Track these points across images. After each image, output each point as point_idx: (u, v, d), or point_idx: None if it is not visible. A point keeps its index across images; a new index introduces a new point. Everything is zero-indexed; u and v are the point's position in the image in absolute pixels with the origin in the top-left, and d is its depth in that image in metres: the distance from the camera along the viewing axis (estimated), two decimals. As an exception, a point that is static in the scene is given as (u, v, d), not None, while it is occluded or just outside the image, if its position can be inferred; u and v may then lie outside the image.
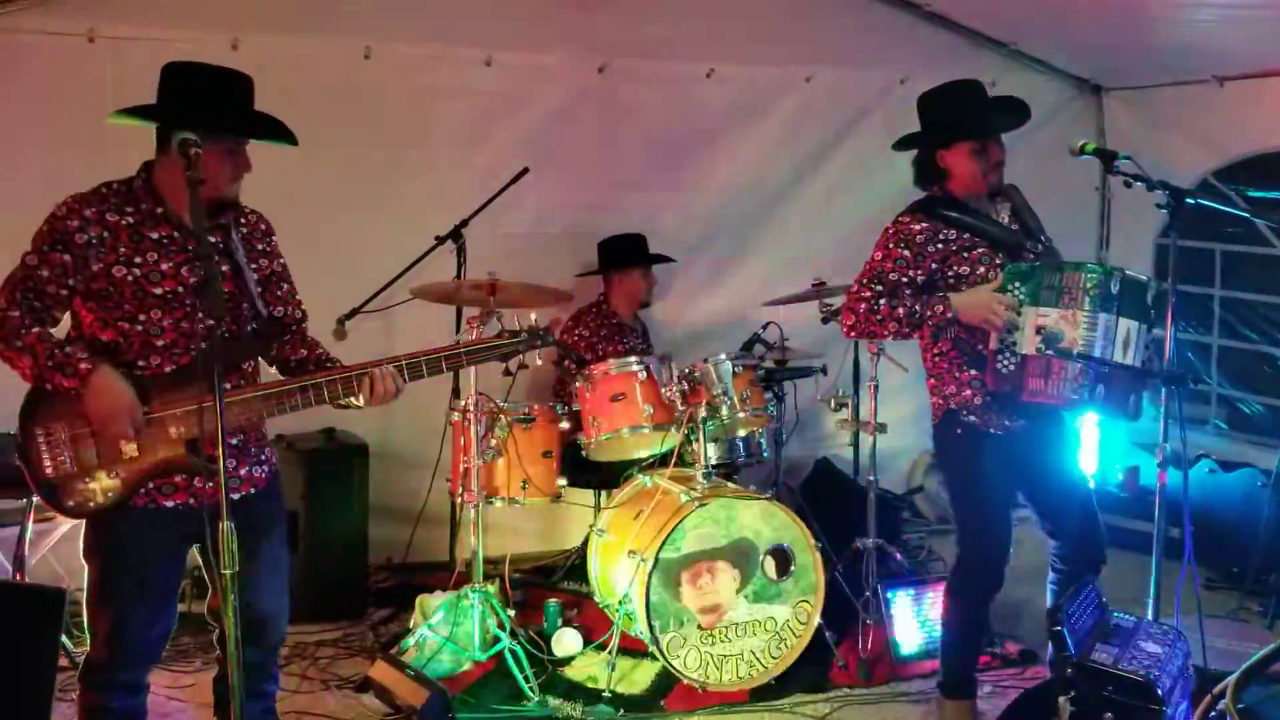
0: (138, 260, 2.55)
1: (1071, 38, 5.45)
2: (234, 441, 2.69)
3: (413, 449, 4.76)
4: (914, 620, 4.04)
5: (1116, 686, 2.71)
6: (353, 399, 2.73)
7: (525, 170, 4.55)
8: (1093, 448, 5.58)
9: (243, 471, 2.73)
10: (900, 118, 3.50)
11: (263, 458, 2.81)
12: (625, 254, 5.00)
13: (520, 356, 3.02)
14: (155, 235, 2.58)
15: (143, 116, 2.62)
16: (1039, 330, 3.11)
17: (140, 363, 2.57)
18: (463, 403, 4.08)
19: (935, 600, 4.01)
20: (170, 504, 2.62)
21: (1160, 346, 3.18)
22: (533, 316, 3.10)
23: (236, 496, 2.66)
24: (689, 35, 5.18)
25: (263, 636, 2.81)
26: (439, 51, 4.82)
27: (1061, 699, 2.76)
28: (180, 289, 2.58)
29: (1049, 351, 3.11)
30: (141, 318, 2.56)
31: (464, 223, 4.49)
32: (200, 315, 2.60)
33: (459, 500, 4.27)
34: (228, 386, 2.53)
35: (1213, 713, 3.17)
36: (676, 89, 5.26)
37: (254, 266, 2.76)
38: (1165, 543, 3.16)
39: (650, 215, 5.26)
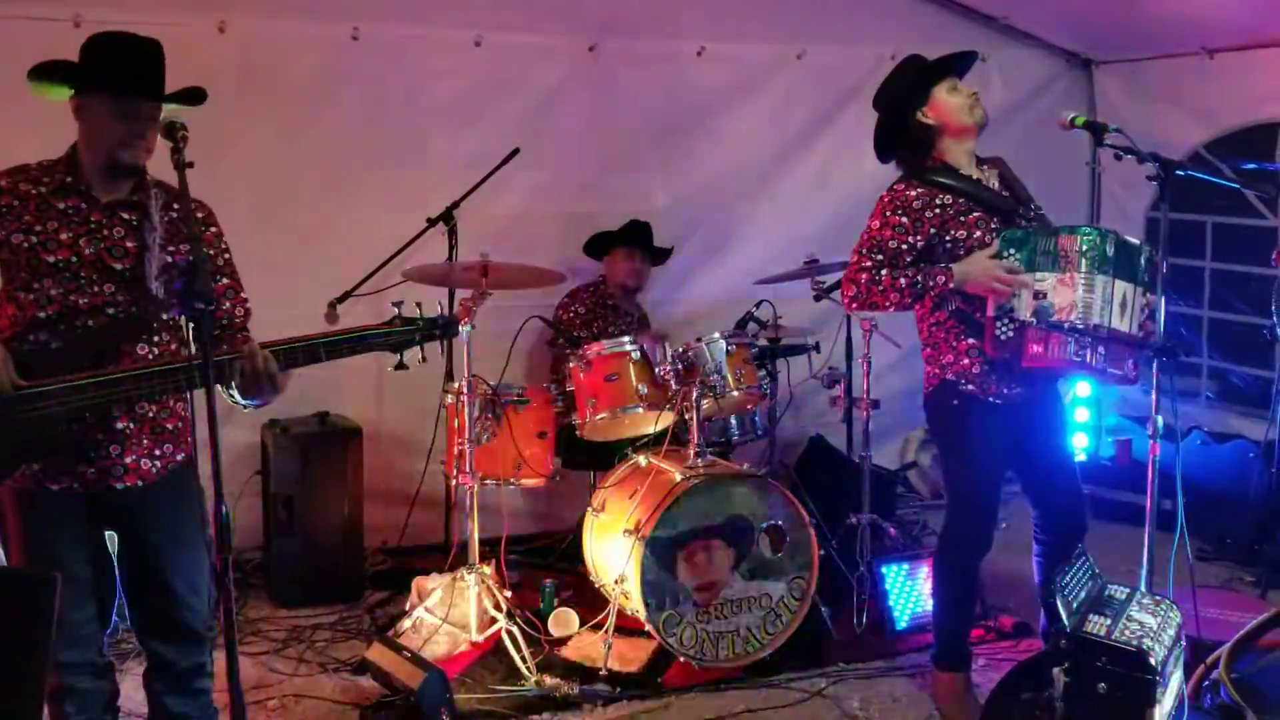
0: (38, 228, 2.51)
1: (1061, 11, 5.45)
2: (118, 426, 2.57)
3: (407, 432, 4.77)
4: (908, 595, 4.07)
5: (1110, 657, 2.72)
6: (228, 389, 2.53)
7: (516, 151, 4.53)
8: (1086, 420, 5.61)
9: (127, 460, 2.59)
10: (893, 94, 3.51)
11: (157, 452, 2.64)
12: (617, 235, 5.00)
13: (419, 349, 2.70)
14: (62, 205, 2.54)
15: (45, 79, 2.57)
16: (1036, 296, 3.12)
17: (30, 336, 2.50)
18: (456, 384, 4.08)
19: (929, 575, 4.03)
20: (55, 488, 2.56)
21: (1155, 315, 3.19)
22: (438, 306, 2.85)
23: (120, 486, 2.58)
24: (680, 14, 5.16)
25: (175, 632, 2.71)
26: (428, 32, 4.79)
27: (1055, 670, 2.77)
28: (74, 259, 2.52)
29: (1040, 325, 3.11)
30: (35, 285, 2.50)
31: (455, 204, 4.47)
32: (92, 291, 2.52)
33: (454, 482, 4.27)
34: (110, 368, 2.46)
35: (1206, 682, 3.21)
36: (668, 68, 5.24)
37: (170, 249, 2.62)
38: (1158, 514, 3.18)
39: (643, 195, 5.25)
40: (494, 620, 3.87)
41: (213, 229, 2.74)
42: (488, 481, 4.17)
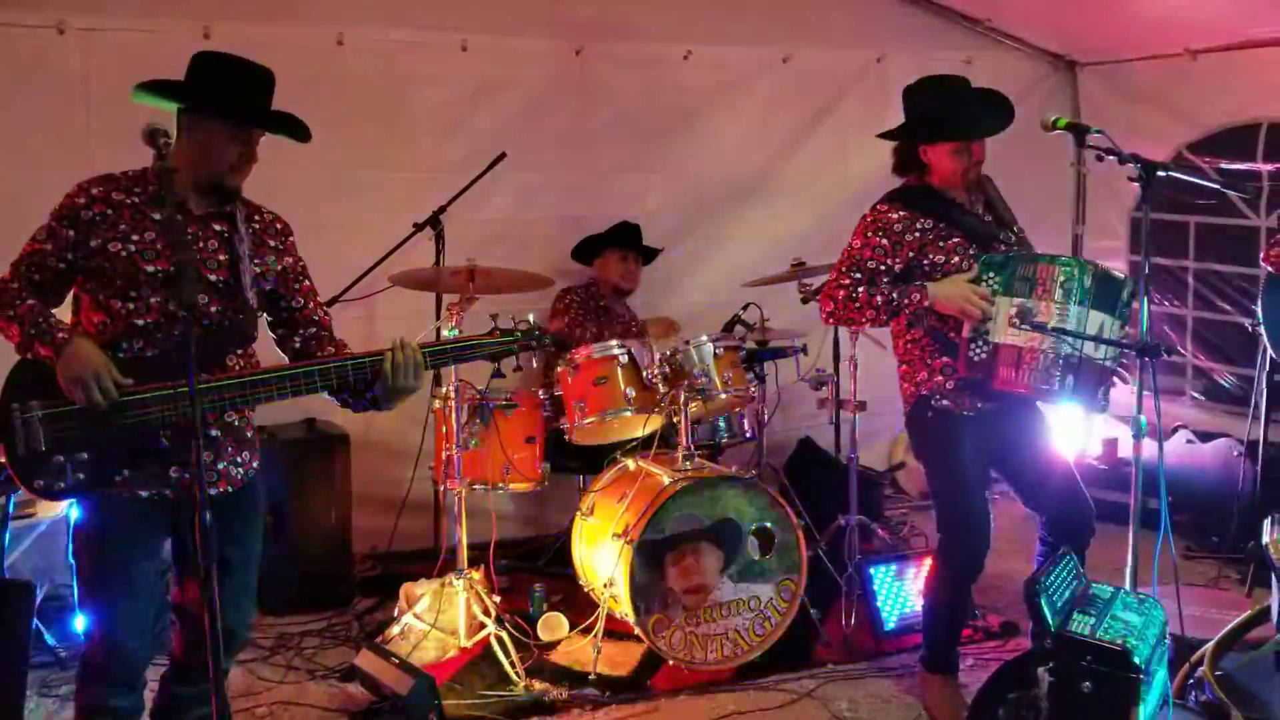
0: (135, 237, 2.55)
1: (1045, 14, 5.48)
2: (213, 434, 2.66)
3: (395, 437, 4.76)
4: (896, 595, 4.08)
5: (1094, 656, 2.73)
6: (374, 394, 2.63)
7: (503, 155, 4.53)
8: (1071, 421, 5.63)
9: (219, 466, 2.68)
10: (878, 96, 3.53)
11: (239, 459, 2.73)
12: (609, 237, 5.00)
13: (515, 358, 2.88)
14: (156, 215, 2.58)
15: (157, 93, 2.63)
16: (1016, 310, 3.14)
17: (124, 344, 2.55)
18: (444, 390, 4.08)
19: (917, 575, 4.05)
20: (145, 494, 2.60)
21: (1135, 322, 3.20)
22: (531, 316, 2.96)
23: (214, 492, 2.64)
24: (666, 17, 5.18)
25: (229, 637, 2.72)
26: (413, 37, 4.81)
27: (1040, 669, 2.78)
28: (172, 269, 2.55)
29: (1024, 325, 3.12)
30: (132, 293, 2.55)
31: (442, 209, 4.47)
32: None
33: (442, 488, 4.27)
34: (205, 376, 2.51)
35: (1191, 680, 3.23)
36: (654, 71, 5.26)
37: (257, 262, 2.71)
38: (1143, 513, 3.20)
39: (631, 198, 5.27)
40: (483, 625, 3.87)
41: (290, 239, 2.83)
42: (476, 486, 4.17)
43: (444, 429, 4.11)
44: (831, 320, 3.41)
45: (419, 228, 4.48)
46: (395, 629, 3.94)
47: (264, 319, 2.79)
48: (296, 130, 2.72)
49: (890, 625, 4.03)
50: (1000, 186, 3.54)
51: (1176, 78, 5.35)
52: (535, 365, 3.08)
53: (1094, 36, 5.62)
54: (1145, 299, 3.11)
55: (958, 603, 3.52)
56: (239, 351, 2.70)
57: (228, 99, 2.60)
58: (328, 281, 4.39)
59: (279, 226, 2.82)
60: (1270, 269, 4.22)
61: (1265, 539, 3.23)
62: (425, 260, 4.47)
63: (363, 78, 4.75)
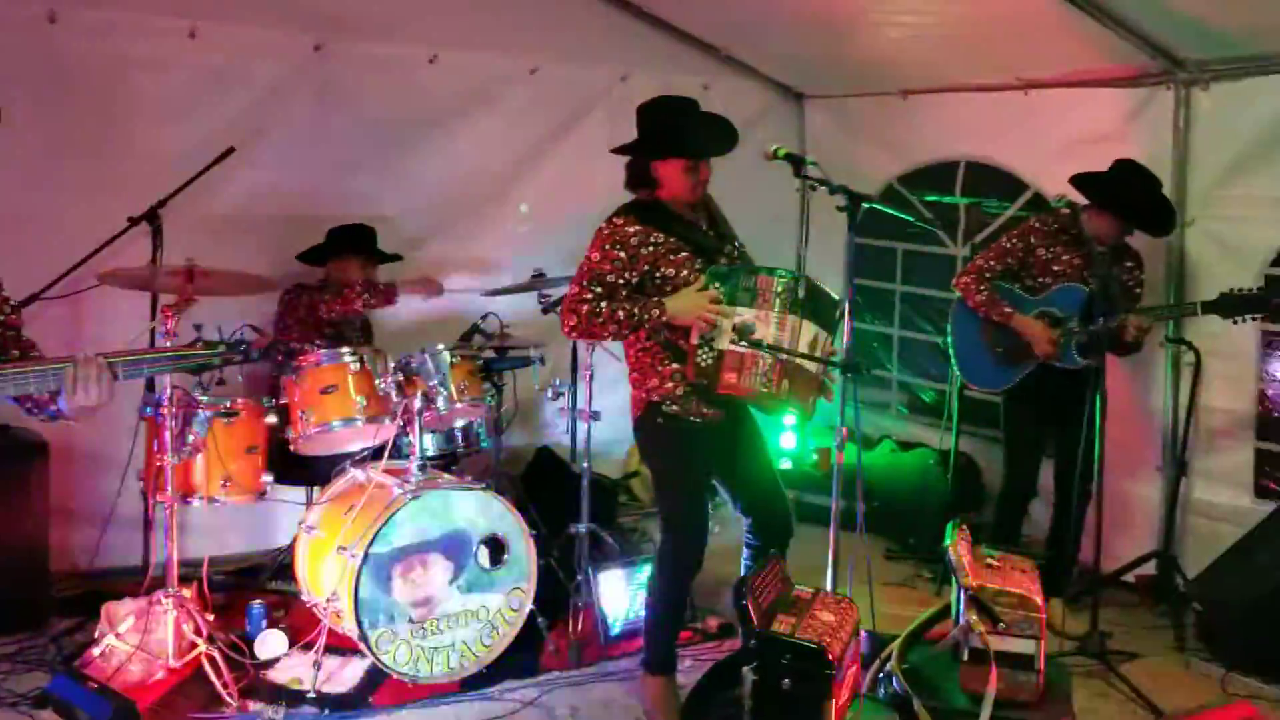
0: None
1: (776, 47, 5.80)
2: None
3: (101, 446, 4.44)
4: (623, 600, 4.20)
5: (793, 654, 2.93)
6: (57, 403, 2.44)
7: (231, 150, 4.34)
8: (792, 429, 5.99)
9: None
10: (621, 114, 3.61)
11: None
12: (345, 242, 4.85)
13: (219, 372, 2.80)
14: None
15: None
16: (734, 326, 3.31)
17: None
18: (156, 396, 3.84)
19: (643, 579, 4.18)
20: None
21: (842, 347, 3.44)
22: (236, 329, 2.89)
23: None
24: (411, 18, 5.09)
25: None
26: (135, 17, 4.51)
27: (745, 668, 2.95)
28: None
29: (743, 343, 3.31)
30: None
31: (161, 203, 4.23)
32: None
33: (153, 500, 4.02)
34: None
35: (881, 674, 3.51)
36: (398, 73, 5.16)
37: None
38: (851, 518, 3.45)
39: (371, 201, 5.14)
40: (194, 645, 3.67)
41: None
42: (190, 499, 3.95)
43: (156, 438, 3.87)
44: (574, 334, 3.48)
45: (134, 222, 4.21)
46: (96, 651, 3.68)
47: None
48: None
49: (616, 631, 4.14)
50: (736, 208, 3.73)
51: (891, 115, 5.81)
52: (240, 379, 2.96)
53: (818, 72, 6.01)
54: (850, 319, 3.36)
55: (677, 601, 3.66)
56: None
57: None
58: (26, 278, 4.07)
59: None
60: (960, 293, 4.65)
61: (947, 541, 3.54)
62: (141, 258, 4.20)
63: (77, 58, 4.41)
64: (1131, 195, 4.30)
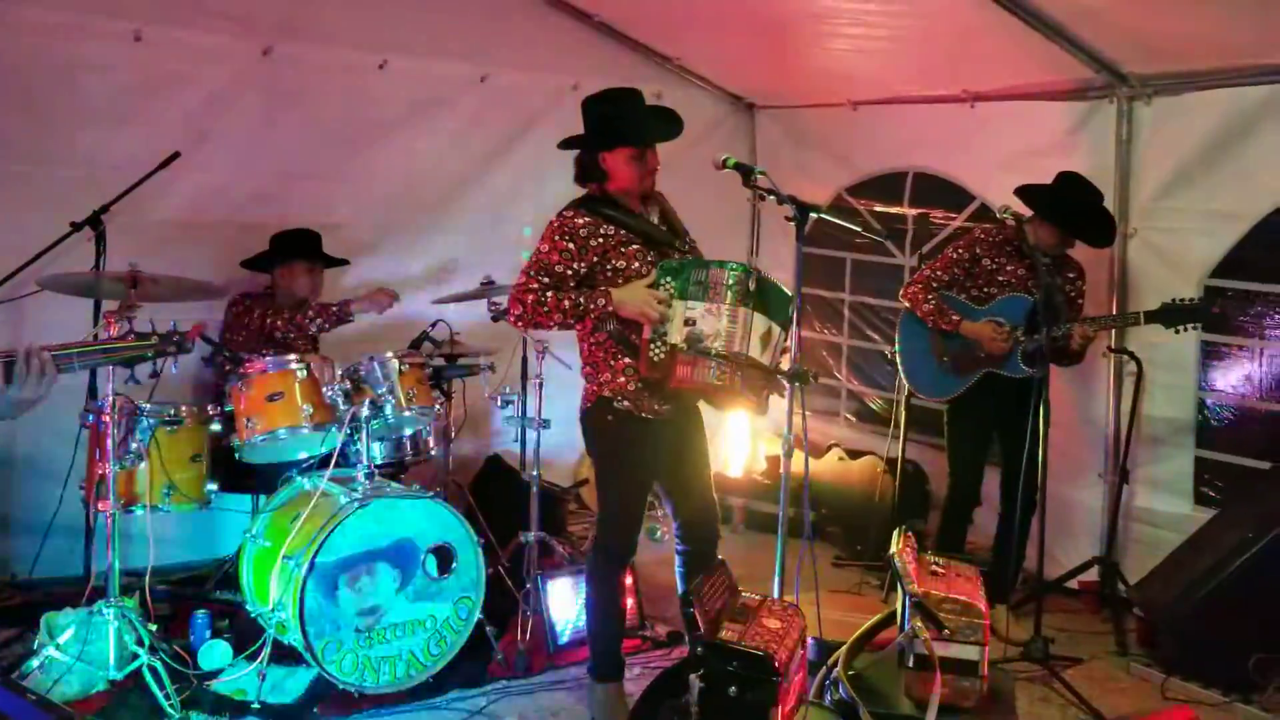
0: None
1: (727, 57, 5.85)
2: None
3: (41, 454, 4.37)
4: (571, 609, 4.19)
5: (740, 661, 2.94)
6: None
7: (176, 155, 4.28)
8: (741, 437, 6.02)
9: None
10: (572, 123, 3.61)
11: None
12: (291, 247, 4.80)
13: (153, 364, 2.71)
14: None
15: None
16: (686, 323, 3.33)
17: None
18: (98, 404, 3.78)
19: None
20: None
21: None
22: (173, 321, 2.83)
23: None
24: (360, 23, 5.08)
25: None
26: (80, 19, 4.44)
27: (692, 676, 2.96)
28: None
29: (691, 352, 3.33)
30: None
31: (105, 208, 4.16)
32: None
33: (94, 509, 3.95)
34: None
35: (827, 681, 3.53)
36: (348, 78, 5.13)
37: None
38: (799, 525, 3.47)
39: (320, 208, 5.11)
40: (136, 656, 3.61)
41: None
42: (133, 508, 3.89)
43: (98, 446, 3.81)
44: (520, 323, 3.47)
45: (76, 227, 4.14)
46: (35, 662, 3.60)
47: None
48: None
49: (564, 639, 4.14)
50: (689, 216, 3.74)
51: (840, 125, 5.87)
52: (174, 370, 2.91)
53: (769, 82, 6.06)
54: (798, 328, 3.39)
55: (610, 599, 3.65)
56: None
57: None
58: (-38, 282, 4.00)
59: None
60: (908, 303, 4.70)
61: (893, 548, 3.58)
62: (84, 263, 4.13)
63: (14, 61, 4.33)
64: (1073, 207, 4.39)
